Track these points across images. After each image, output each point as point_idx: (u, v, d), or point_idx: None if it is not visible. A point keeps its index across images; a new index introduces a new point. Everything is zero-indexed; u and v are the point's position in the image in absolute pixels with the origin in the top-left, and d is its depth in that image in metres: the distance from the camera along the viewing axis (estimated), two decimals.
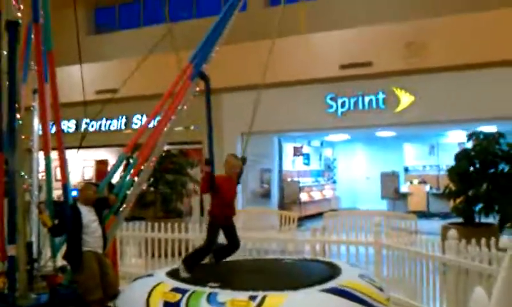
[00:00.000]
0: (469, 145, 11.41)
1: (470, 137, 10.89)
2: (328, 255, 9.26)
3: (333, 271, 5.54)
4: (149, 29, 19.58)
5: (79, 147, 8.45)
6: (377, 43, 14.74)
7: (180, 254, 9.48)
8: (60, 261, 7.11)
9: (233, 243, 6.50)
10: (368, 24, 15.36)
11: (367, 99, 15.06)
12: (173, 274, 5.58)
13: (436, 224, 12.09)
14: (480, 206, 10.13)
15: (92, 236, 6.69)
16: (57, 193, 7.66)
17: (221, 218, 6.28)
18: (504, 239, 6.09)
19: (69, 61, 16.54)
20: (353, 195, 23.75)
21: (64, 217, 6.85)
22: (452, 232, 6.74)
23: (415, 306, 7.27)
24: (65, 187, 7.13)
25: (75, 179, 19.28)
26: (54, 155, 7.35)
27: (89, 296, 6.49)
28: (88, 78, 17.29)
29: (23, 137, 6.85)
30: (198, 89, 7.64)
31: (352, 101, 15.23)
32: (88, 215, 6.74)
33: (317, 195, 21.52)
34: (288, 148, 20.82)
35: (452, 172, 10.62)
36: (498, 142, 10.31)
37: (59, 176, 7.35)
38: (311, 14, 17.22)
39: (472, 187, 10.14)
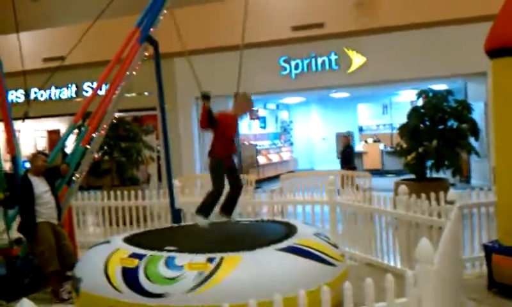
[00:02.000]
0: (420, 103, 11.68)
1: (419, 95, 11.13)
2: (285, 216, 9.43)
3: (289, 231, 5.63)
4: None
5: (26, 117, 8.22)
6: (328, 4, 14.75)
7: (138, 221, 9.45)
8: (15, 234, 6.99)
9: (236, 184, 6.27)
10: None
11: (319, 60, 15.14)
12: (131, 240, 5.57)
13: (391, 181, 12.39)
14: (431, 161, 10.44)
15: (45, 207, 6.60)
16: (9, 165, 7.48)
17: (223, 155, 6.05)
18: (452, 193, 6.35)
19: (14, 28, 15.96)
20: (310, 156, 24.07)
21: (15, 188, 6.71)
22: (403, 187, 6.94)
23: (369, 259, 7.50)
24: (14, 159, 6.96)
25: (27, 150, 18.80)
26: (2, 127, 7.15)
27: (46, 267, 6.45)
28: (35, 46, 16.85)
29: None
30: (147, 54, 7.53)
31: (305, 63, 15.29)
32: (40, 185, 6.63)
33: (274, 157, 21.69)
34: None
35: (403, 130, 10.88)
36: (447, 99, 10.59)
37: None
38: None
39: (422, 143, 10.42)
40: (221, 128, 6.01)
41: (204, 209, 6.00)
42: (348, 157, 14.80)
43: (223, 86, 15.84)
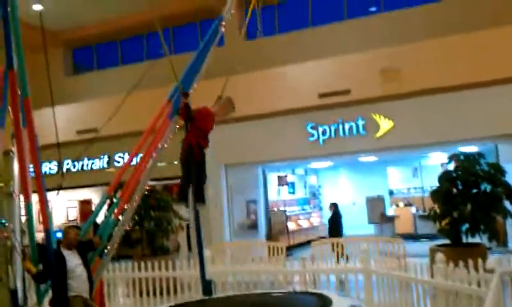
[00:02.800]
0: (451, 167, 11.53)
1: (451, 158, 11.01)
2: (317, 284, 9.22)
3: (323, 303, 5.48)
4: (127, 68, 19.70)
5: (59, 188, 8.35)
6: (353, 71, 14.95)
7: (168, 292, 9.36)
8: None
9: (204, 176, 6.74)
10: (344, 53, 15.58)
11: (347, 126, 15.21)
12: None
13: (424, 246, 12.10)
14: (466, 226, 10.19)
15: (77, 281, 6.58)
16: (41, 235, 7.54)
17: (197, 148, 6.53)
18: (491, 259, 6.15)
19: (49, 102, 16.52)
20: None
21: (48, 262, 6.73)
22: (440, 256, 6.76)
23: None
24: (47, 232, 7.01)
25: (59, 220, 19.05)
26: (36, 198, 7.27)
27: None
28: (68, 119, 17.37)
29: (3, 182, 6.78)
30: (178, 126, 7.65)
31: (332, 128, 15.36)
32: (72, 259, 6.64)
33: (304, 223, 21.47)
34: (272, 177, 20.82)
35: (435, 194, 10.72)
36: (479, 162, 10.44)
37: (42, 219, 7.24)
38: (288, 46, 17.47)
39: (456, 208, 10.22)
40: (198, 121, 6.54)
41: (182, 195, 6.62)
42: (335, 224, 14.60)
43: (250, 153, 16.10)
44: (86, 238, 7.17)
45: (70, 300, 6.45)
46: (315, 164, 22.11)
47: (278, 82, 15.86)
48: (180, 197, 6.71)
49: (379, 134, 14.82)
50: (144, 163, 7.48)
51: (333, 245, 12.27)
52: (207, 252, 8.55)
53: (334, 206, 15.13)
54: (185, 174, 6.64)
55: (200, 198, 6.68)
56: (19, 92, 6.97)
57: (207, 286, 7.73)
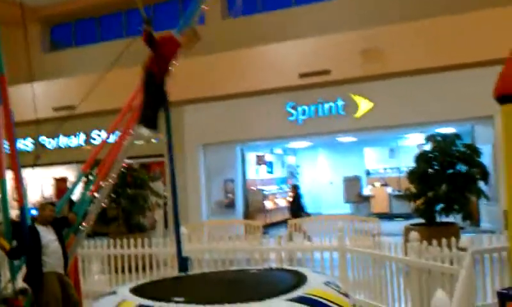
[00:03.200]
0: (427, 147, 11.66)
1: (428, 139, 11.12)
2: (294, 262, 9.29)
3: (298, 279, 5.50)
4: (106, 45, 19.35)
5: (34, 165, 8.24)
6: (334, 52, 14.94)
7: (144, 269, 9.35)
8: (20, 284, 6.90)
9: (164, 100, 6.81)
10: (325, 33, 15.54)
11: (326, 106, 15.24)
12: (137, 291, 5.46)
13: (399, 225, 12.26)
14: (440, 206, 10.34)
15: (52, 257, 6.54)
16: (16, 212, 7.44)
17: (157, 72, 6.57)
18: (464, 238, 6.26)
19: (26, 79, 16.21)
20: (317, 200, 23.90)
21: (22, 239, 6.66)
22: (414, 234, 6.85)
23: None
24: (22, 210, 6.92)
25: (34, 198, 18.81)
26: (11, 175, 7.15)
27: None
28: (45, 96, 17.08)
29: None
30: None
31: (312, 108, 15.38)
32: (47, 235, 6.59)
33: (281, 202, 21.57)
34: (251, 156, 20.83)
35: (411, 174, 10.83)
36: (455, 143, 10.57)
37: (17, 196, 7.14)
38: (268, 25, 17.34)
39: (431, 188, 10.35)
40: (161, 49, 6.56)
41: (145, 120, 6.67)
42: (297, 206, 14.77)
43: (230, 133, 16.07)
44: (61, 215, 7.11)
45: (45, 276, 6.41)
46: (293, 144, 22.16)
47: (258, 61, 15.79)
48: (141, 120, 6.71)
49: (358, 115, 14.88)
50: (121, 140, 7.42)
51: (294, 225, 12.36)
52: (183, 230, 8.55)
53: (295, 188, 15.17)
54: (145, 99, 6.71)
55: (153, 124, 6.79)
56: None
57: (183, 263, 7.74)
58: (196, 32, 6.99)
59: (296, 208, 14.76)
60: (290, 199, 15.59)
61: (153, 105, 6.75)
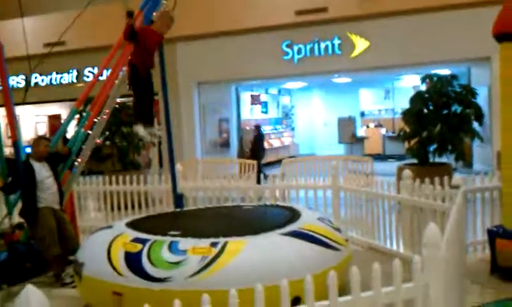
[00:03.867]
0: (423, 88, 11.61)
1: (423, 79, 11.06)
2: (287, 201, 9.39)
3: (292, 215, 5.60)
4: None
5: (24, 103, 8.16)
6: None
7: (139, 206, 9.43)
8: (17, 218, 6.97)
9: (151, 97, 6.73)
10: None
11: (322, 45, 15.02)
12: (133, 225, 5.54)
13: (392, 166, 12.37)
14: (434, 146, 10.39)
15: (47, 192, 6.57)
16: (10, 150, 7.43)
17: (141, 67, 6.49)
18: (457, 177, 6.31)
19: (14, 14, 15.81)
20: (311, 141, 24.03)
21: (17, 174, 6.67)
22: (407, 172, 6.91)
23: (372, 244, 7.49)
24: (16, 144, 6.91)
25: (28, 135, 18.77)
26: (4, 111, 7.10)
27: (47, 252, 6.44)
28: (35, 31, 16.70)
29: None
30: None
31: (308, 47, 15.16)
32: (42, 170, 6.59)
33: (276, 142, 21.66)
34: (245, 96, 20.73)
35: (406, 114, 10.82)
36: (451, 84, 10.52)
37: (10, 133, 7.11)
38: None
39: (425, 128, 10.36)
40: (142, 42, 6.45)
41: (138, 116, 6.60)
42: (257, 146, 14.69)
43: (225, 71, 15.89)
44: (55, 151, 7.10)
45: (40, 211, 6.46)
46: (288, 85, 22.03)
47: None
48: (136, 119, 6.64)
49: (354, 54, 14.70)
50: (113, 77, 7.33)
51: (251, 166, 12.34)
52: (178, 168, 8.58)
53: (257, 129, 15.00)
54: (135, 94, 6.62)
55: (148, 120, 6.70)
56: None
57: (179, 199, 7.83)
58: (167, 13, 6.84)
59: (257, 148, 14.63)
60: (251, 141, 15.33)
61: (144, 101, 6.67)
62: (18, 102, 8.04)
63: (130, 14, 6.39)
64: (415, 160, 10.72)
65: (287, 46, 15.30)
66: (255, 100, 21.56)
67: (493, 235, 6.04)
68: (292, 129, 24.59)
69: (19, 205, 6.90)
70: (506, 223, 6.02)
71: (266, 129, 21.65)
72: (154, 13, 7.01)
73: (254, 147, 14.73)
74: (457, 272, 4.42)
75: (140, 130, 6.51)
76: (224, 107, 17.86)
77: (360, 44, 14.67)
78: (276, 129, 22.89)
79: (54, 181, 6.73)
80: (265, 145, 14.76)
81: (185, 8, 14.71)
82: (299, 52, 15.26)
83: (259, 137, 14.83)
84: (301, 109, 24.90)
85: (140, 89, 6.57)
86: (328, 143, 22.06)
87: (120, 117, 12.62)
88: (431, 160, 10.53)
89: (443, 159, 10.66)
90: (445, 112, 10.39)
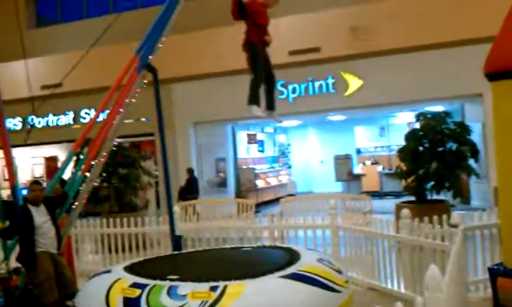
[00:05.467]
0: (418, 125, 11.69)
1: (418, 117, 11.15)
2: (286, 240, 9.36)
3: (291, 257, 5.56)
4: (93, 21, 19.08)
5: (21, 145, 8.16)
6: (324, 29, 14.86)
7: (137, 248, 9.37)
8: (14, 263, 6.90)
9: (269, 75, 6.34)
10: (314, 10, 15.43)
11: (316, 84, 15.21)
12: (131, 269, 5.49)
13: (390, 203, 12.38)
14: (431, 184, 10.41)
15: (45, 237, 6.52)
16: (7, 192, 7.40)
17: (258, 43, 6.09)
18: (455, 215, 6.32)
19: (12, 57, 15.97)
20: (308, 179, 24.02)
21: (14, 218, 6.64)
22: (405, 211, 6.91)
23: (373, 284, 7.43)
24: (14, 189, 6.89)
25: (25, 177, 18.72)
26: (1, 154, 7.10)
27: (45, 298, 6.35)
28: (32, 74, 16.82)
29: None
30: (145, 81, 7.53)
31: (302, 86, 15.35)
32: (39, 215, 6.55)
33: (273, 181, 21.63)
34: (242, 135, 20.83)
35: (402, 152, 10.88)
36: (445, 121, 10.61)
37: (7, 176, 7.10)
38: None
39: (422, 166, 10.40)
40: (253, 17, 6.05)
41: (253, 97, 6.02)
42: (189, 188, 14.61)
43: (220, 111, 16.00)
44: (52, 195, 7.08)
45: (38, 256, 6.40)
46: (284, 123, 22.16)
47: None
48: (251, 100, 6.08)
49: (348, 93, 14.89)
50: (111, 118, 7.36)
51: (249, 206, 12.25)
52: (176, 209, 8.56)
53: (189, 172, 14.85)
54: (253, 74, 6.14)
55: (270, 105, 6.36)
56: None
57: (177, 241, 7.78)
58: None
59: (189, 190, 14.49)
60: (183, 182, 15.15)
61: (260, 82, 6.24)
62: (15, 143, 8.06)
63: None
64: (412, 198, 10.73)
65: (282, 85, 15.47)
66: (251, 138, 21.64)
67: (494, 273, 6.00)
68: (289, 167, 24.62)
69: (16, 250, 6.83)
70: (506, 261, 6.00)
71: (263, 167, 21.69)
72: None
73: (184, 189, 14.58)
74: None
75: (256, 110, 6.03)
76: (221, 146, 17.93)
77: (353, 82, 14.87)
78: (272, 167, 22.90)
79: (52, 225, 6.68)
80: (197, 187, 14.69)
81: (179, 49, 14.95)
82: (293, 91, 15.43)
83: (191, 180, 14.72)
84: (298, 147, 24.99)
85: (259, 67, 6.14)
86: (325, 181, 22.06)
87: (117, 158, 12.63)
88: (429, 197, 10.54)
89: (441, 196, 10.67)
90: (441, 149, 10.46)
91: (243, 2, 5.95)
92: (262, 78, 6.11)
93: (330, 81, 15.05)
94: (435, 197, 10.58)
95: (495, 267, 6.13)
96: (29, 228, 6.43)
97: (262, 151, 23.05)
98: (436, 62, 13.75)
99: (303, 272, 5.04)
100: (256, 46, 6.06)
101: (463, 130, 10.48)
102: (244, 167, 19.89)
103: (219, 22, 15.72)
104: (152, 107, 7.91)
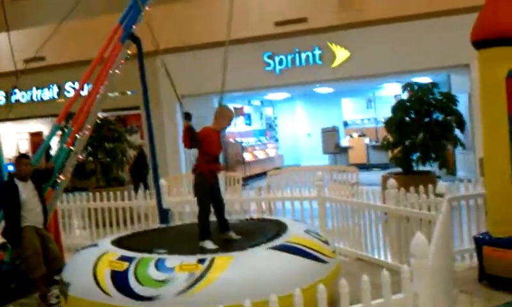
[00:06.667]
0: (404, 96, 11.70)
1: (404, 88, 11.13)
2: (273, 212, 9.38)
3: (279, 229, 5.59)
4: None
5: (5, 119, 8.06)
6: None
7: (125, 222, 9.34)
8: (0, 239, 6.85)
9: (219, 203, 5.96)
10: None
11: (303, 56, 15.11)
12: (119, 243, 5.47)
13: (377, 175, 12.42)
14: (417, 155, 10.45)
15: (31, 213, 6.45)
16: None
17: (208, 174, 5.79)
18: (441, 185, 6.35)
19: None
20: (296, 152, 24.06)
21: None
22: (392, 181, 6.93)
23: (360, 254, 7.49)
24: None
25: (10, 153, 18.52)
26: None
27: (32, 272, 6.32)
28: (14, 47, 16.50)
29: None
30: (130, 52, 7.42)
31: (289, 58, 15.24)
32: (26, 190, 6.48)
33: (260, 154, 21.64)
34: None
35: (389, 123, 10.88)
36: (432, 92, 10.60)
37: None
38: None
39: (408, 137, 10.43)
40: (205, 146, 5.84)
41: (204, 233, 5.60)
42: (139, 165, 14.35)
43: (207, 84, 15.86)
44: (44, 167, 7.03)
45: (24, 231, 6.35)
46: (271, 96, 22.08)
47: (234, 10, 15.43)
48: (203, 236, 5.56)
49: (335, 64, 14.80)
50: (95, 91, 7.27)
51: (236, 179, 12.19)
52: (163, 183, 8.53)
53: (140, 148, 14.60)
54: (200, 206, 5.78)
55: (223, 227, 5.91)
56: None
57: (164, 215, 7.77)
58: (225, 109, 6.39)
59: (139, 167, 14.30)
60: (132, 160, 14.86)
61: (208, 211, 5.78)
62: None
63: (188, 116, 5.83)
64: (399, 169, 10.78)
65: (268, 57, 15.36)
66: (238, 112, 21.55)
67: (480, 242, 6.07)
68: (276, 140, 24.62)
69: (2, 224, 6.78)
70: (492, 231, 6.06)
71: (250, 141, 21.65)
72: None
73: (135, 166, 14.36)
74: (446, 281, 4.43)
75: (209, 245, 5.42)
76: (208, 119, 17.77)
77: (341, 54, 14.78)
78: (260, 141, 22.88)
79: (39, 200, 6.61)
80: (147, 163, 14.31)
81: (164, 21, 14.73)
82: (280, 62, 15.33)
83: (140, 157, 14.48)
84: (285, 120, 24.96)
85: (206, 199, 5.78)
86: (313, 154, 22.10)
87: (103, 132, 12.52)
88: (415, 168, 10.59)
89: (427, 167, 10.72)
90: (427, 120, 10.46)
91: (194, 131, 5.75)
92: (208, 210, 5.77)
93: (317, 52, 14.95)
94: (421, 168, 10.63)
95: (481, 236, 6.19)
96: (15, 204, 6.35)
97: (249, 124, 22.99)
98: (423, 33, 13.69)
99: (291, 244, 5.07)
100: (204, 177, 5.75)
101: (449, 100, 10.48)
102: (231, 140, 19.84)
103: None
104: (137, 79, 7.82)
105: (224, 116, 6.19)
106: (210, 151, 5.88)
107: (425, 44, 13.67)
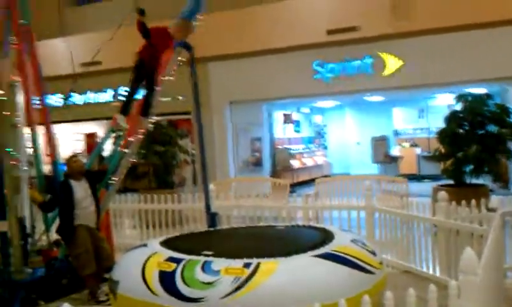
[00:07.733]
0: (458, 107, 11.43)
1: (458, 99, 10.89)
2: (320, 221, 9.34)
3: (325, 236, 5.55)
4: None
5: (62, 121, 8.39)
6: (362, 8, 14.60)
7: (173, 224, 9.54)
8: (55, 235, 7.12)
9: (152, 88, 7.15)
10: None
11: (354, 64, 15.01)
12: (167, 244, 5.59)
13: (427, 187, 12.16)
14: (470, 167, 10.20)
15: (84, 212, 6.69)
16: (48, 168, 7.61)
17: (147, 62, 6.94)
18: (494, 199, 6.18)
19: (51, 34, 16.27)
20: (344, 160, 23.83)
21: (55, 192, 6.83)
22: (443, 194, 6.79)
23: (407, 267, 7.37)
24: (54, 163, 7.09)
25: (66, 153, 19.14)
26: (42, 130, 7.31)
27: (82, 270, 6.54)
28: (74, 51, 17.13)
29: (8, 113, 6.81)
30: (182, 58, 7.58)
31: (339, 66, 15.17)
32: (80, 190, 6.71)
33: (308, 161, 21.57)
34: (278, 115, 20.79)
35: (441, 134, 10.65)
36: (486, 103, 10.33)
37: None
38: None
39: (461, 148, 10.18)
40: (153, 38, 6.89)
41: (124, 107, 7.13)
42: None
43: (256, 91, 15.99)
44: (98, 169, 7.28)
45: (76, 229, 6.58)
46: (321, 103, 22.00)
47: (285, 17, 15.53)
48: (122, 110, 7.10)
49: (386, 73, 14.63)
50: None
51: (283, 185, 12.12)
52: (211, 187, 8.66)
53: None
54: (132, 85, 7.10)
55: (144, 112, 7.18)
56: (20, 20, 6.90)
57: (212, 218, 7.88)
58: (190, 25, 7.16)
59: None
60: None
61: (134, 93, 7.16)
62: (56, 120, 8.27)
63: (141, 11, 6.76)
64: (450, 181, 10.54)
65: (318, 65, 15.33)
66: (287, 118, 21.59)
67: None
68: (325, 148, 24.48)
69: (57, 222, 7.05)
70: None
71: (298, 148, 21.64)
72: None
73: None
74: (496, 298, 4.31)
75: (120, 119, 6.97)
76: (257, 126, 17.93)
77: (392, 62, 14.61)
78: (308, 148, 22.82)
79: (93, 200, 6.84)
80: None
81: (217, 27, 14.95)
82: (330, 71, 15.27)
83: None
84: (334, 127, 24.78)
85: (138, 82, 7.04)
86: (362, 162, 21.85)
87: (154, 136, 12.80)
88: (467, 181, 10.33)
89: (480, 180, 10.44)
90: (481, 132, 10.20)
91: (146, 25, 6.78)
92: (134, 89, 7.12)
93: (368, 61, 14.82)
94: (474, 181, 10.36)
95: None
96: (69, 202, 6.60)
97: (298, 131, 22.98)
98: (478, 43, 13.37)
99: (336, 252, 5.03)
100: (143, 62, 6.95)
101: (503, 112, 10.19)
102: (280, 147, 19.88)
103: (254, 1, 15.70)
104: (189, 85, 7.98)
105: (186, 31, 7.20)
106: (157, 47, 6.98)
107: (480, 54, 13.34)
